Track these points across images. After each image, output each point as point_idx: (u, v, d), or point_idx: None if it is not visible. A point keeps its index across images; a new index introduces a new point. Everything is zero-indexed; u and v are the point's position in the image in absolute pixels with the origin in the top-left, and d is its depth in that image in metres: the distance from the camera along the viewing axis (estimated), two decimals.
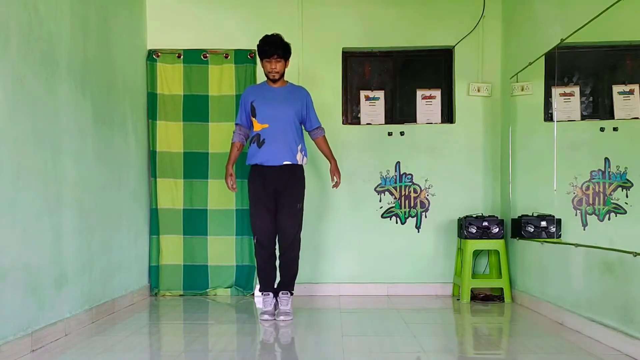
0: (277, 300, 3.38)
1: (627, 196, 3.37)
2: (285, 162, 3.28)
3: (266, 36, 3.27)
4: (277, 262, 3.40)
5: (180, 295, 4.19)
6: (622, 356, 2.45)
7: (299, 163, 3.34)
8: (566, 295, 3.13)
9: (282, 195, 3.29)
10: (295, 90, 3.40)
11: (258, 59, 4.16)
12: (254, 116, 3.31)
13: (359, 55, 4.40)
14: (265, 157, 3.27)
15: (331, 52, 4.27)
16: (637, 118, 3.57)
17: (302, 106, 3.35)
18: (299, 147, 3.33)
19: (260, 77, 4.20)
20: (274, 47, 3.21)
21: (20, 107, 2.52)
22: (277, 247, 3.39)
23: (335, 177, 3.44)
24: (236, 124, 3.44)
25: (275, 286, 3.43)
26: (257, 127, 3.31)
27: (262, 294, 3.39)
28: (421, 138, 4.25)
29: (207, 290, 4.20)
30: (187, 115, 4.23)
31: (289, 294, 3.37)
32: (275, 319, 3.30)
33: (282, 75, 3.33)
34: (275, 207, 3.31)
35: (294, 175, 3.32)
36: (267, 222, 3.29)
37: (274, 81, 3.31)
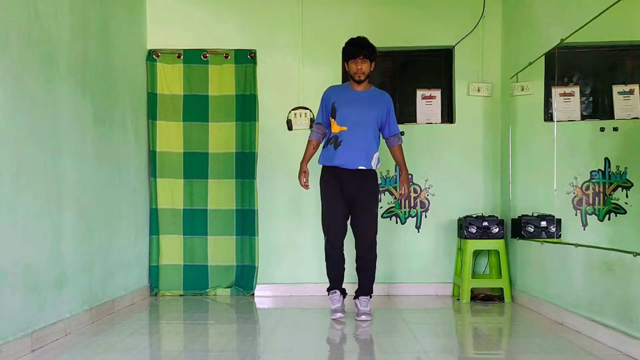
0: (355, 303, 3.36)
1: (627, 196, 3.37)
2: (360, 167, 3.25)
3: (351, 38, 3.29)
4: (355, 265, 3.37)
5: (180, 295, 4.18)
6: (622, 356, 2.45)
7: (373, 168, 3.31)
8: (566, 295, 3.13)
9: (357, 199, 3.28)
10: (378, 95, 3.35)
11: (258, 59, 4.22)
12: (333, 117, 3.28)
13: None
14: (340, 160, 3.24)
15: (331, 52, 4.27)
16: (637, 118, 3.57)
17: (383, 111, 3.31)
18: (375, 155, 3.30)
19: (260, 78, 4.22)
20: (360, 48, 3.23)
21: (20, 107, 2.52)
22: (344, 247, 3.36)
23: (404, 187, 3.41)
24: (316, 123, 3.39)
25: (354, 291, 3.41)
26: (336, 129, 3.28)
27: (329, 292, 3.39)
28: (421, 138, 4.25)
29: (207, 290, 4.20)
30: (187, 115, 4.22)
31: (369, 296, 3.36)
32: (344, 315, 3.32)
33: (367, 77, 3.29)
34: (347, 210, 3.31)
35: (368, 180, 3.30)
36: (339, 224, 3.30)
37: (359, 82, 3.28)
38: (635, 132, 3.48)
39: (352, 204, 3.29)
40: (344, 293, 3.42)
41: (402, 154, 3.45)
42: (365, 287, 3.35)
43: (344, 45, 3.31)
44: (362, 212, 3.28)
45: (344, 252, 3.38)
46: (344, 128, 3.25)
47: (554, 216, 3.54)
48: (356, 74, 3.25)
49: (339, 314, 3.32)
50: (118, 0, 3.72)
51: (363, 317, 3.26)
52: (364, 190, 3.28)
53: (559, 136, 3.41)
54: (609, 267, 2.68)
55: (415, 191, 4.26)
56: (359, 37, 3.28)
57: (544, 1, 3.60)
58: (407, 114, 4.37)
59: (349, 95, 3.31)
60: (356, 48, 3.23)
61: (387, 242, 4.22)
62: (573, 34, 3.07)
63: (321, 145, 3.41)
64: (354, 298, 3.38)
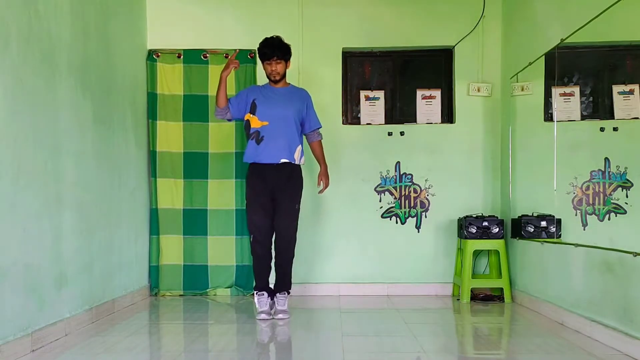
0: (274, 300, 3.41)
1: (627, 196, 3.36)
2: (283, 160, 3.30)
3: (265, 39, 3.31)
4: (273, 262, 3.43)
5: (180, 295, 4.19)
6: (622, 356, 2.46)
7: (297, 163, 3.36)
8: (566, 295, 3.13)
9: (280, 195, 3.32)
10: (297, 91, 3.45)
11: (258, 59, 4.20)
12: (254, 113, 3.34)
13: (359, 55, 4.40)
14: (263, 154, 3.30)
15: (331, 52, 4.27)
16: (637, 118, 3.57)
17: (302, 106, 3.40)
18: (298, 148, 3.36)
19: (260, 78, 4.20)
20: (273, 49, 3.26)
21: (20, 107, 2.52)
22: (273, 246, 3.41)
23: (322, 182, 3.46)
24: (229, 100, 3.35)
25: (272, 287, 3.46)
26: (257, 124, 3.32)
27: (256, 293, 3.41)
28: (421, 138, 4.25)
29: (207, 290, 4.20)
30: (187, 115, 4.23)
31: (287, 293, 3.42)
32: (272, 318, 3.33)
33: (283, 76, 3.37)
34: (272, 206, 3.34)
35: (292, 176, 3.35)
36: (264, 221, 3.32)
37: (275, 82, 3.36)
38: (635, 132, 3.48)
39: (274, 199, 3.34)
40: (271, 294, 3.44)
41: (322, 149, 3.51)
42: (281, 284, 3.40)
43: (258, 45, 3.32)
44: (282, 207, 3.33)
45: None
46: (265, 123, 3.30)
47: (554, 216, 3.54)
48: (271, 74, 3.32)
49: (264, 316, 3.32)
50: (118, 0, 3.72)
51: (280, 316, 3.32)
52: (287, 186, 3.32)
53: (559, 136, 3.41)
54: (609, 267, 2.68)
55: (415, 191, 4.26)
56: (272, 38, 3.29)
57: (544, 1, 3.60)
58: (407, 114, 4.37)
59: (269, 92, 3.38)
60: (269, 49, 3.26)
61: (387, 242, 4.23)
62: (573, 34, 3.07)
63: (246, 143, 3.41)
64: (269, 294, 3.40)
